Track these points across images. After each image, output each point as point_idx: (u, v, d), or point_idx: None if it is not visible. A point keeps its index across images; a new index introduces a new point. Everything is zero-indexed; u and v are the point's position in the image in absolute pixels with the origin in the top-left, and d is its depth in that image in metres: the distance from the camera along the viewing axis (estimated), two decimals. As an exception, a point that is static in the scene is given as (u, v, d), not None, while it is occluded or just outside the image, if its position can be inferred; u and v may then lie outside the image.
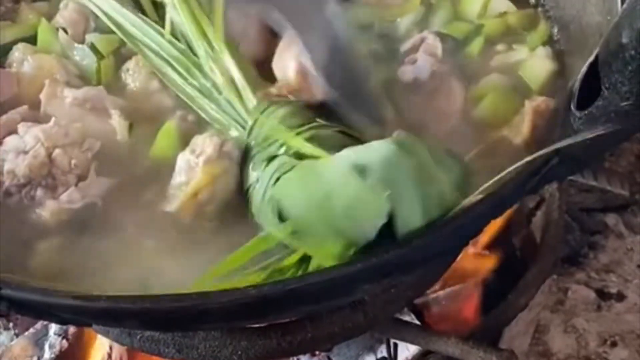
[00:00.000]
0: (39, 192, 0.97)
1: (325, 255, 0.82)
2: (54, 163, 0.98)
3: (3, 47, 1.18)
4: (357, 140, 0.90)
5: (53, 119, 1.01)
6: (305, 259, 0.85)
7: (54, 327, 1.21)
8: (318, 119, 0.94)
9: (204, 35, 1.04)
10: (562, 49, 1.13)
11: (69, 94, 1.05)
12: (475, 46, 1.14)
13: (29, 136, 1.00)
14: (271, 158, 0.91)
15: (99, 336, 1.17)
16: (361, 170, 0.81)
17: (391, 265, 0.81)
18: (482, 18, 1.18)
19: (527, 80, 1.09)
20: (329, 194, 0.82)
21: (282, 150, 0.91)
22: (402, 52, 1.12)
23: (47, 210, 0.96)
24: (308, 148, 0.89)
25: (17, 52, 1.13)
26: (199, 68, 1.04)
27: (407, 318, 1.16)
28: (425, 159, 0.83)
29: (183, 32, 1.06)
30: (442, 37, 1.12)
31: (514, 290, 1.15)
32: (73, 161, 0.99)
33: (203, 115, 1.03)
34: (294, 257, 0.85)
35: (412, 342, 1.09)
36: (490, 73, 1.11)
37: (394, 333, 1.10)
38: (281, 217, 0.86)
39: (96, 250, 0.94)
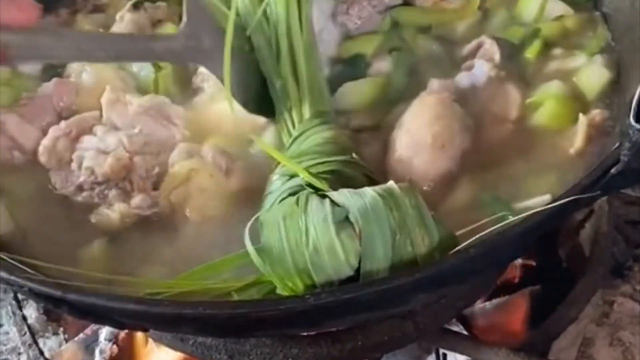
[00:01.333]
0: (113, 193, 1.00)
1: (287, 289, 0.83)
2: (133, 168, 1.00)
3: None
4: (376, 184, 0.89)
5: (138, 126, 1.03)
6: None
7: (104, 332, 1.22)
8: (354, 154, 0.95)
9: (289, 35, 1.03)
10: (619, 56, 1.11)
11: (134, 101, 1.07)
12: (533, 51, 1.13)
13: (111, 139, 1.02)
14: (291, 177, 0.92)
15: (150, 341, 1.19)
16: (340, 219, 0.82)
17: (448, 275, 0.81)
18: (538, 22, 1.17)
19: (582, 88, 1.08)
20: (303, 235, 0.83)
21: (297, 189, 0.91)
22: (459, 58, 1.13)
23: (116, 211, 0.98)
24: (319, 184, 0.89)
25: (76, 64, 1.15)
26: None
27: (455, 329, 1.15)
28: (408, 215, 0.83)
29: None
30: (499, 42, 1.11)
31: (563, 302, 1.14)
32: (155, 170, 1.01)
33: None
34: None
35: (461, 353, 1.08)
36: (547, 79, 1.09)
37: (443, 343, 1.10)
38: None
39: (146, 252, 0.97)
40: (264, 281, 0.86)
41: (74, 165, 1.02)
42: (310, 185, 0.90)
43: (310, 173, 0.90)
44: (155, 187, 1.01)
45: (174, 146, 1.04)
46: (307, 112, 0.99)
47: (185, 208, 1.00)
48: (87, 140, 1.03)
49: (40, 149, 1.04)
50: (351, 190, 0.86)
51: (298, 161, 0.93)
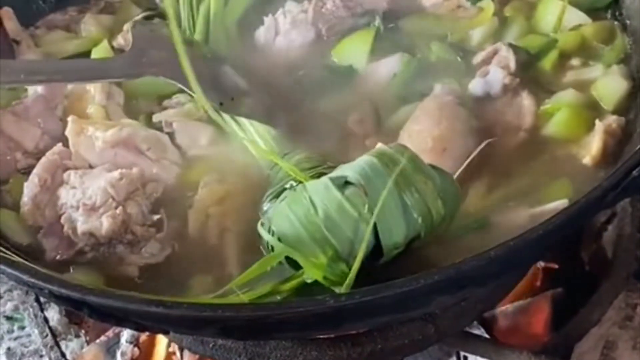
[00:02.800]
0: (120, 249, 0.97)
1: (313, 266, 0.84)
2: (130, 218, 0.97)
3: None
4: None
5: (119, 171, 0.99)
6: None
7: (125, 335, 1.23)
8: (329, 162, 0.97)
9: None
10: (637, 64, 1.10)
11: (99, 136, 1.04)
12: (549, 60, 1.12)
13: (93, 188, 0.98)
14: (280, 192, 0.93)
15: (171, 345, 1.19)
16: (340, 183, 0.85)
17: (467, 278, 0.81)
18: (556, 31, 1.16)
19: (599, 99, 1.07)
20: (310, 207, 0.85)
21: (289, 185, 0.93)
22: (474, 65, 1.12)
23: (131, 265, 0.96)
24: (307, 179, 0.91)
25: None
26: None
27: (476, 332, 1.15)
28: (405, 167, 0.85)
29: None
30: (515, 49, 1.11)
31: (586, 305, 1.13)
32: (148, 207, 0.99)
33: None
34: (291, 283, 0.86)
35: (482, 356, 1.08)
36: (563, 88, 1.09)
37: (464, 346, 1.09)
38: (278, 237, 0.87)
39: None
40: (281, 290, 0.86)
41: (66, 229, 0.97)
42: None
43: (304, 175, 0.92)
44: (159, 229, 0.99)
45: (153, 173, 1.03)
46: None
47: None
48: (66, 194, 0.99)
49: (24, 210, 1.00)
50: (343, 164, 0.88)
51: (285, 181, 0.95)
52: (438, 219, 0.85)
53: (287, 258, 0.87)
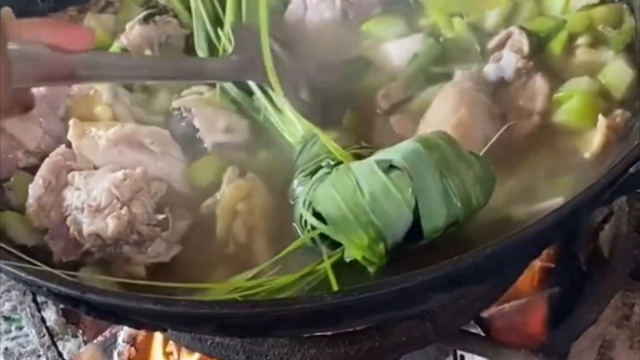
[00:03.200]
0: (126, 249, 0.97)
1: (355, 245, 0.85)
2: (136, 218, 0.97)
3: None
4: None
5: (122, 171, 0.99)
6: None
7: (122, 335, 1.23)
8: (362, 142, 0.99)
9: None
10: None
11: (102, 135, 1.04)
12: (559, 42, 1.11)
13: (98, 189, 0.98)
14: (314, 171, 0.94)
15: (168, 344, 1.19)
16: (385, 166, 0.86)
17: (465, 274, 0.81)
18: (565, 13, 1.15)
19: (608, 86, 1.06)
20: (356, 188, 0.86)
21: (325, 163, 0.94)
22: (489, 49, 1.13)
23: (138, 265, 0.96)
24: (349, 158, 0.93)
25: None
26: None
27: (473, 330, 1.15)
28: (447, 153, 0.87)
29: None
30: (528, 32, 1.10)
31: (583, 304, 1.14)
32: (153, 207, 0.99)
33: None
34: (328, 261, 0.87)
35: (479, 354, 1.08)
36: (575, 74, 1.08)
37: (461, 345, 1.09)
38: (318, 217, 0.89)
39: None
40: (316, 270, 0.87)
41: (72, 231, 0.97)
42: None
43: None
44: (164, 227, 0.99)
45: (158, 169, 1.03)
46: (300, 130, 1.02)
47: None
48: (70, 196, 0.99)
49: (29, 212, 1.00)
50: (385, 149, 0.90)
51: (316, 160, 0.95)
52: (477, 204, 0.87)
53: (322, 236, 0.89)
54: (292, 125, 1.03)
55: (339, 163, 0.93)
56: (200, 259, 0.98)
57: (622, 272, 1.19)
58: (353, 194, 0.86)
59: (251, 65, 1.05)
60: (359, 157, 0.94)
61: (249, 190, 1.00)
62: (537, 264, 1.25)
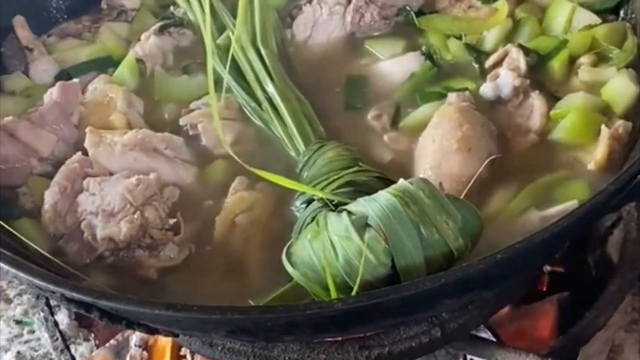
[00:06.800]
0: (139, 253, 0.99)
1: (327, 296, 0.86)
2: (148, 222, 0.99)
3: (78, 66, 1.23)
4: (392, 183, 0.92)
5: (136, 177, 1.01)
6: None
7: (134, 339, 1.24)
8: (361, 163, 1.00)
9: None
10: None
11: (117, 140, 1.06)
12: (559, 60, 1.12)
13: (112, 195, 1.00)
14: (309, 201, 0.97)
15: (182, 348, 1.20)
16: (361, 224, 0.86)
17: (473, 280, 0.81)
18: (567, 32, 1.16)
19: (609, 103, 1.07)
20: (332, 250, 0.86)
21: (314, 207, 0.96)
22: (486, 67, 1.14)
23: (150, 269, 0.98)
24: (336, 197, 0.94)
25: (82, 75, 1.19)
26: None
27: (482, 335, 1.15)
28: (426, 206, 0.86)
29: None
30: (525, 50, 1.11)
31: (592, 308, 1.14)
32: (166, 211, 1.01)
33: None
34: None
35: (489, 359, 1.08)
36: (573, 91, 1.09)
37: (471, 349, 1.09)
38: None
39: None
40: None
41: (86, 235, 0.99)
42: (331, 202, 0.93)
43: (325, 192, 0.94)
44: (176, 232, 1.00)
45: (172, 174, 1.05)
46: (302, 145, 1.05)
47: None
48: (86, 202, 1.01)
49: (45, 218, 1.02)
50: (366, 197, 0.89)
51: (312, 185, 0.98)
52: (459, 254, 0.87)
53: None
54: (294, 138, 1.06)
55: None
56: (194, 262, 1.00)
57: (631, 277, 1.19)
58: (328, 255, 0.86)
59: None
60: (352, 183, 0.96)
61: (252, 203, 1.02)
62: (547, 268, 1.25)
